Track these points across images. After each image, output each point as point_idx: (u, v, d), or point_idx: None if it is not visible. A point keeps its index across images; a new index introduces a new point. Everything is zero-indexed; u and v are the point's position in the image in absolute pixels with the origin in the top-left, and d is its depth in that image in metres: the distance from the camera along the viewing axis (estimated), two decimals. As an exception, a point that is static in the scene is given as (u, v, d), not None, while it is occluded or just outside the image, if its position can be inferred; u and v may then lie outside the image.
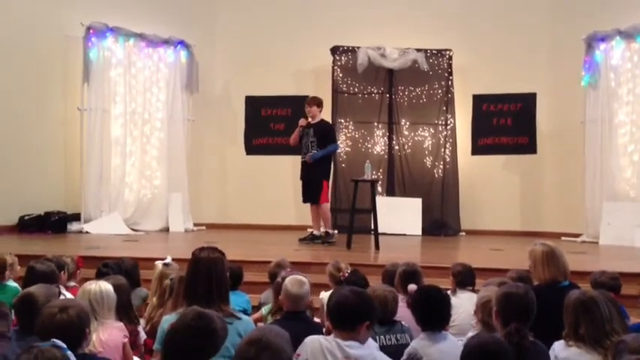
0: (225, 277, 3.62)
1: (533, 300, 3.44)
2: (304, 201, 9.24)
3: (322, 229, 9.17)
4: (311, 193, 9.09)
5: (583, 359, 3.26)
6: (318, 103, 9.24)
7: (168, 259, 4.77)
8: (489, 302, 3.62)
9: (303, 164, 9.08)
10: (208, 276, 3.49)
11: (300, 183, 9.24)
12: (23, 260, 5.24)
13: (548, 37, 11.50)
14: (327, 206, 9.21)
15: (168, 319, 3.45)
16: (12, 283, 4.83)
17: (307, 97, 9.42)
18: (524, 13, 11.64)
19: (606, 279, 4.77)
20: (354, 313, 3.17)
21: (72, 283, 4.97)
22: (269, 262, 5.48)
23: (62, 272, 4.70)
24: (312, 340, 3.19)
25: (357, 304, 3.19)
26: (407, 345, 3.72)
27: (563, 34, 11.20)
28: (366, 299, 3.28)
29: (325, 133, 9.10)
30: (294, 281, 3.97)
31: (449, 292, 4.56)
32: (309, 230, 9.30)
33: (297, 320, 3.83)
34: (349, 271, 5.04)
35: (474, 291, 4.77)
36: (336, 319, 3.21)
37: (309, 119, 9.11)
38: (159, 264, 4.67)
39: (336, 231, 9.37)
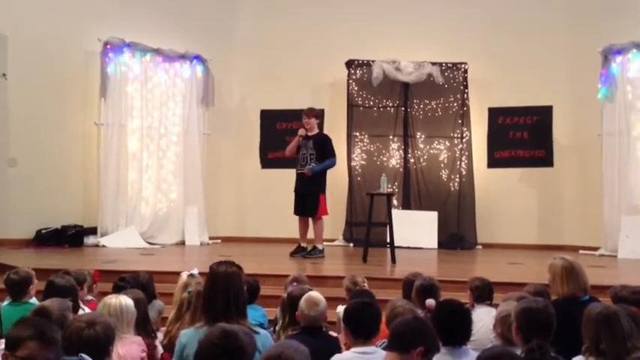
0: (242, 292, 3.62)
1: (553, 314, 3.41)
2: (298, 213, 9.13)
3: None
4: (307, 206, 8.98)
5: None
6: (316, 114, 9.22)
7: (195, 271, 4.71)
8: (508, 316, 3.59)
9: (299, 176, 9.01)
10: (226, 290, 3.49)
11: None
12: (41, 274, 5.25)
13: (564, 50, 11.43)
14: (322, 221, 9.13)
15: (185, 334, 3.45)
16: (34, 300, 4.83)
17: (322, 110, 9.39)
18: (540, 26, 11.59)
19: (627, 293, 4.68)
20: (413, 336, 3.15)
21: (89, 297, 4.99)
22: (285, 276, 5.47)
23: (81, 286, 4.71)
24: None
25: (418, 328, 3.18)
26: None
27: (579, 47, 11.14)
28: (428, 326, 3.28)
29: (325, 146, 9.04)
30: (309, 303, 3.92)
31: (467, 306, 4.54)
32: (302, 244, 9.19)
33: (314, 335, 3.81)
34: (366, 284, 5.05)
35: (491, 305, 4.74)
36: (394, 340, 3.19)
37: (307, 132, 9.06)
38: (184, 274, 4.61)
39: (323, 247, 9.18)
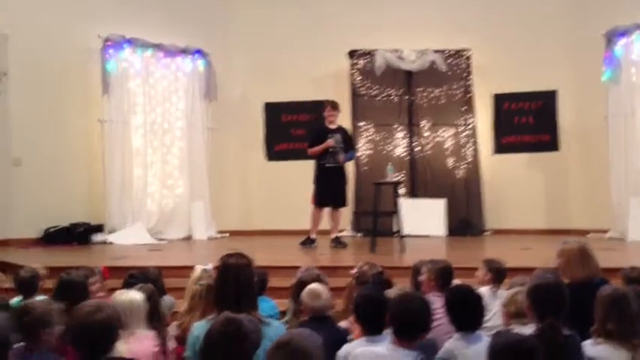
0: (253, 283, 3.62)
1: (566, 290, 3.38)
2: (335, 205, 9.18)
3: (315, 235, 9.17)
4: (342, 196, 9.13)
5: (611, 356, 3.21)
6: (339, 107, 9.32)
7: (209, 266, 4.70)
8: (518, 294, 3.59)
9: (331, 169, 8.99)
10: (237, 282, 3.49)
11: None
12: (52, 272, 5.26)
13: (567, 34, 11.36)
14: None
15: (198, 326, 3.45)
16: (41, 297, 4.83)
17: (325, 101, 9.37)
18: (542, 10, 11.51)
19: (638, 275, 4.69)
20: (421, 322, 3.24)
21: (100, 294, 4.97)
22: (295, 267, 5.45)
23: (92, 282, 4.70)
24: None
25: (424, 312, 3.23)
26: (430, 341, 3.69)
27: (582, 30, 11.05)
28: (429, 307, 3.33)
29: (349, 138, 9.25)
30: (311, 295, 3.99)
31: (493, 289, 4.57)
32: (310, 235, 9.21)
33: (321, 325, 3.80)
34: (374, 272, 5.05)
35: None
36: (400, 327, 3.24)
37: (331, 125, 9.09)
38: (198, 268, 4.59)
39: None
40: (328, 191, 9.05)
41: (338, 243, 9.10)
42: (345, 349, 3.45)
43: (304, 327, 3.68)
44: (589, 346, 3.31)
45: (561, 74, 11.24)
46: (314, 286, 4.10)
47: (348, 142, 9.23)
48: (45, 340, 3.32)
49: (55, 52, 10.21)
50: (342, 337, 3.79)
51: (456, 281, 4.71)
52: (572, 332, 3.30)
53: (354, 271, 4.91)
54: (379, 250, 8.34)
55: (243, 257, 3.63)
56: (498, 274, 4.92)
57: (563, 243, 4.41)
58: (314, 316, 3.94)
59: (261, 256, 7.26)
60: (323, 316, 3.96)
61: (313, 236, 9.13)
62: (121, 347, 3.47)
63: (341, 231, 10.04)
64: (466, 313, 3.55)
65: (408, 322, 3.30)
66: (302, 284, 4.32)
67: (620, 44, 10.30)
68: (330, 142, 8.91)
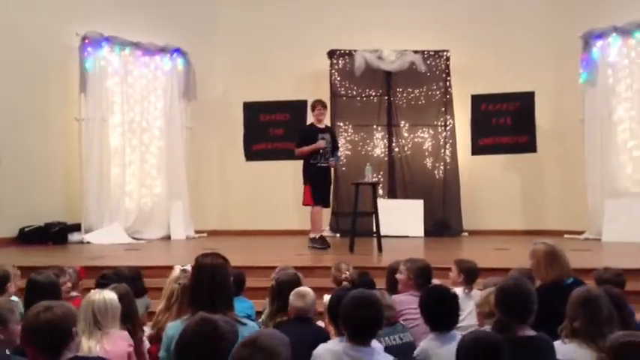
0: (228, 283, 3.61)
1: (530, 292, 3.41)
2: (325, 206, 9.23)
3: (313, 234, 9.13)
4: (328, 197, 9.23)
5: (578, 356, 3.25)
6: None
7: (188, 266, 4.65)
8: (491, 295, 3.64)
9: (323, 169, 8.98)
10: (212, 282, 3.47)
11: (301, 188, 9.13)
12: (25, 272, 5.20)
13: (544, 36, 11.46)
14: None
15: (172, 326, 3.43)
16: (14, 298, 4.78)
17: (315, 100, 9.36)
18: (520, 12, 11.63)
19: (610, 275, 4.73)
20: (372, 327, 3.20)
21: (74, 294, 4.94)
22: (272, 268, 5.45)
23: (63, 282, 4.66)
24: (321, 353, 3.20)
25: (375, 318, 3.21)
26: (410, 343, 3.72)
27: (560, 32, 11.17)
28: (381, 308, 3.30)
29: (336, 138, 9.32)
30: (297, 295, 3.99)
31: (465, 290, 4.59)
32: (316, 235, 9.14)
33: (302, 325, 3.84)
34: (349, 272, 5.08)
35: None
36: (354, 333, 3.21)
37: (319, 124, 9.10)
38: (177, 268, 4.53)
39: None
40: (321, 191, 9.02)
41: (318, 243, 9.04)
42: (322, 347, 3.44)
43: (285, 325, 3.70)
44: (557, 346, 3.35)
45: (539, 76, 11.34)
46: (302, 288, 4.11)
47: (335, 143, 9.29)
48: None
49: (33, 50, 10.08)
50: (324, 337, 3.78)
51: (435, 281, 4.74)
52: (539, 333, 3.33)
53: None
54: (357, 250, 8.35)
55: (219, 257, 3.61)
56: (470, 274, 4.94)
57: (533, 244, 4.45)
58: (296, 316, 3.94)
59: (239, 256, 7.27)
60: (304, 317, 3.94)
61: (321, 234, 9.12)
62: (95, 347, 3.46)
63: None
64: (441, 313, 3.58)
65: (361, 325, 3.23)
66: (279, 285, 4.30)
67: (597, 46, 10.43)
68: (322, 143, 8.89)
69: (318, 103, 9.21)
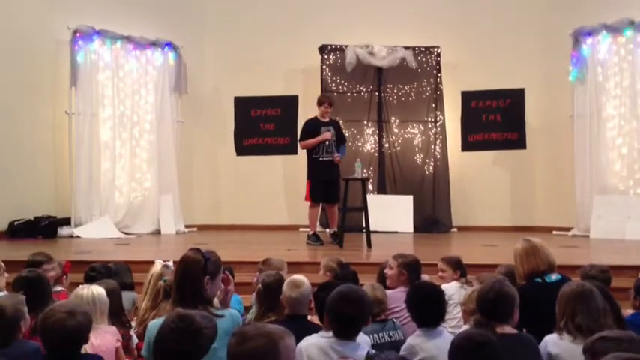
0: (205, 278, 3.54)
1: (506, 293, 3.43)
2: (329, 202, 9.13)
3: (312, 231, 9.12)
4: (337, 192, 8.98)
5: (576, 351, 3.22)
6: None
7: (170, 263, 4.63)
8: (475, 292, 3.68)
9: (325, 163, 8.90)
10: (193, 278, 3.42)
11: (299, 183, 9.11)
12: (15, 266, 5.19)
13: (535, 33, 11.51)
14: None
15: (154, 324, 3.41)
16: (3, 293, 4.74)
17: (322, 96, 9.43)
18: (511, 8, 11.66)
19: (596, 272, 4.78)
20: (356, 323, 3.21)
21: (59, 288, 4.90)
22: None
23: (48, 269, 4.64)
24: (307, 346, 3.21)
25: (359, 314, 3.22)
26: (401, 341, 3.72)
27: (550, 30, 11.23)
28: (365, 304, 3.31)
29: (342, 132, 9.28)
30: (291, 284, 3.88)
31: (463, 285, 4.62)
32: (319, 231, 9.19)
33: (295, 324, 3.74)
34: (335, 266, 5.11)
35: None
36: (339, 328, 3.22)
37: (323, 118, 9.08)
38: (158, 264, 4.50)
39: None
40: (323, 186, 8.94)
41: (335, 238, 8.87)
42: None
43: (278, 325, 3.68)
44: (552, 344, 3.36)
45: (529, 73, 11.37)
46: (296, 276, 3.99)
47: (341, 136, 9.23)
48: None
49: (24, 43, 10.03)
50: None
51: (425, 276, 4.78)
52: (520, 332, 3.36)
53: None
54: (347, 245, 8.38)
55: (199, 252, 3.53)
56: (461, 266, 4.98)
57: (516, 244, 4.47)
58: (290, 313, 3.85)
59: (228, 251, 7.30)
60: (299, 315, 3.86)
61: (316, 231, 9.08)
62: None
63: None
64: (427, 309, 3.60)
65: (346, 320, 3.25)
66: (265, 288, 4.21)
67: (587, 44, 10.48)
68: (328, 134, 8.84)
69: (326, 100, 9.18)
